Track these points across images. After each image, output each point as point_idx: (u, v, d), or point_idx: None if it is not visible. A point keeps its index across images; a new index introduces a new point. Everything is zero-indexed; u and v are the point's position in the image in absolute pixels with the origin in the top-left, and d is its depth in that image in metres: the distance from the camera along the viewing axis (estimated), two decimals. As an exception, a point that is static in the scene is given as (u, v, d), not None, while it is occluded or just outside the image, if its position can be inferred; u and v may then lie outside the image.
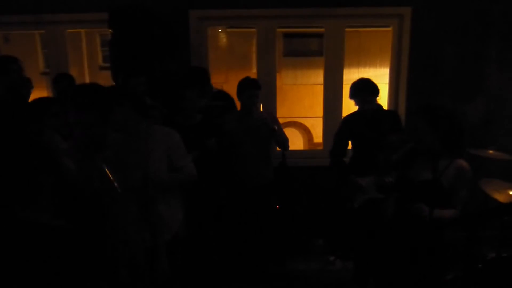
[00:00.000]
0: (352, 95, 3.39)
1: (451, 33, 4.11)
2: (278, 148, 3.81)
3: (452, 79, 4.19)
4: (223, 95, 3.93)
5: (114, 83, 3.78)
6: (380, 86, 3.40)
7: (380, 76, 7.33)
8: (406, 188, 2.43)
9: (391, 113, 3.67)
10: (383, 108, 3.58)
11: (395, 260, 2.48)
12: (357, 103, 3.40)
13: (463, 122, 2.41)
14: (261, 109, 3.65)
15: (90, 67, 5.25)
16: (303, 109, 9.04)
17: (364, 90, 3.33)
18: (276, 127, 3.54)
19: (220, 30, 8.73)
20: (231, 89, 4.05)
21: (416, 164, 2.41)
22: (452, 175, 2.28)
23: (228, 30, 9.68)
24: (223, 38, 9.25)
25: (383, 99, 3.91)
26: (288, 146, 3.69)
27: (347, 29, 4.30)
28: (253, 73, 6.16)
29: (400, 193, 2.49)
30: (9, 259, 1.56)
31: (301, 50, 10.94)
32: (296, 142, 8.13)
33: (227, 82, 4.06)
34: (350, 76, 5.10)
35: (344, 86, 4.34)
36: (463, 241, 2.63)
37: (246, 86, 3.52)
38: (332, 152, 3.62)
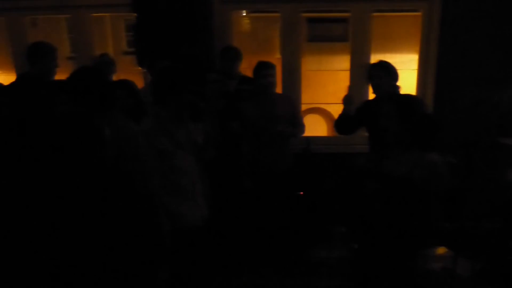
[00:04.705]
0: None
1: (484, 16, 3.95)
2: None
3: (484, 65, 4.04)
4: (250, 80, 3.90)
5: (139, 68, 3.81)
6: (407, 73, 3.30)
7: (407, 62, 7.18)
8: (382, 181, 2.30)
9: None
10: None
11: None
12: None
13: (437, 117, 2.27)
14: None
15: (114, 52, 5.28)
16: (327, 95, 8.94)
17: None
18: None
19: (244, 14, 8.66)
20: (254, 74, 4.02)
21: (393, 154, 2.27)
22: (423, 170, 2.13)
23: (252, 14, 9.61)
24: (246, 23, 9.18)
25: (411, 86, 3.82)
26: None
27: (372, 14, 4.18)
28: (276, 58, 6.09)
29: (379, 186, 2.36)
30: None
31: (325, 35, 10.81)
32: (319, 128, 8.06)
33: (250, 67, 4.01)
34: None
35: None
36: (494, 233, 2.56)
37: (259, 66, 3.56)
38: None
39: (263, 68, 3.53)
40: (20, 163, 2.03)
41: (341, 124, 3.52)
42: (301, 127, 3.72)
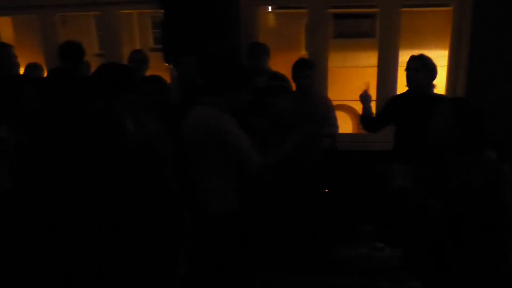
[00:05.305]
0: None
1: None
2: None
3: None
4: (280, 76, 3.90)
5: (166, 64, 3.85)
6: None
7: (436, 59, 7.03)
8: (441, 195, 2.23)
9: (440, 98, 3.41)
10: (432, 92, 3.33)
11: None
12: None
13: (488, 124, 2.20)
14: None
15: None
16: (353, 92, 8.81)
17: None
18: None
19: (269, 11, 8.64)
20: (279, 71, 4.01)
21: (446, 164, 2.23)
22: (477, 174, 2.08)
23: (277, 10, 9.59)
24: (272, 19, 9.16)
25: (440, 83, 3.73)
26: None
27: (401, 9, 4.10)
28: (301, 54, 6.04)
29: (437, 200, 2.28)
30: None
31: (352, 32, 10.69)
32: (344, 125, 7.99)
33: (275, 64, 4.01)
34: (403, 58, 4.92)
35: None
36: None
37: (299, 66, 3.50)
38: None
39: (305, 69, 3.48)
40: (50, 158, 2.07)
41: (367, 122, 3.48)
42: (335, 128, 3.70)
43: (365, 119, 3.48)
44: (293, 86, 3.74)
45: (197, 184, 2.53)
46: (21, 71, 3.80)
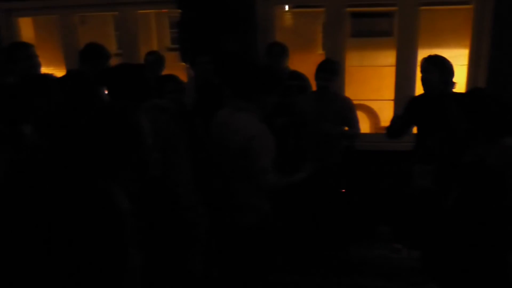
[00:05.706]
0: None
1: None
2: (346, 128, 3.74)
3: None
4: (298, 75, 3.88)
5: (183, 63, 3.87)
6: (455, 68, 3.15)
7: (455, 57, 6.92)
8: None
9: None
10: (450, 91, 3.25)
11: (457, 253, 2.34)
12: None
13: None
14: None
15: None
16: (370, 92, 8.76)
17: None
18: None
19: (286, 10, 8.63)
20: (295, 69, 3.99)
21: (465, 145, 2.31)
22: (495, 156, 2.13)
23: (294, 10, 9.57)
24: (288, 18, 9.14)
25: (459, 82, 3.67)
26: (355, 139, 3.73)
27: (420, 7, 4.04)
28: (318, 54, 6.02)
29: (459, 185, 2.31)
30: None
31: (369, 30, 10.62)
32: (362, 125, 7.90)
33: (291, 63, 4.00)
34: (422, 57, 4.86)
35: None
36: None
37: (325, 68, 3.48)
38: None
39: (330, 72, 3.46)
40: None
41: (392, 132, 3.42)
42: (356, 129, 3.67)
43: (391, 130, 3.43)
44: (313, 85, 3.71)
45: (228, 192, 2.49)
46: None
